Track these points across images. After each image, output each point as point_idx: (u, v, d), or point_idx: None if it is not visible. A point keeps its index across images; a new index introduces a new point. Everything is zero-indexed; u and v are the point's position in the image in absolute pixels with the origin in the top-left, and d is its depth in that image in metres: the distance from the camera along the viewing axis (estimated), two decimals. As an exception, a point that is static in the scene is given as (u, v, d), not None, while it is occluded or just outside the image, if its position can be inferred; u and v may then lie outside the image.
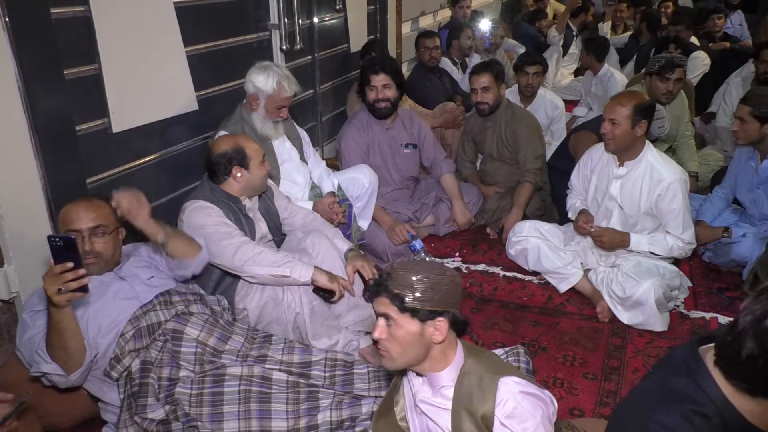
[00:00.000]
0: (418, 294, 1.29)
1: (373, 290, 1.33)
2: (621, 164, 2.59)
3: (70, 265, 1.56)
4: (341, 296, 2.21)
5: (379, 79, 3.09)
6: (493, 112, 3.36)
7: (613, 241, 2.59)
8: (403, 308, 1.29)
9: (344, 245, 2.42)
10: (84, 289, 1.61)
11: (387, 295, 1.30)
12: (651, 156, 2.54)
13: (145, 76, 2.40)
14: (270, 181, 2.56)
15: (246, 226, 2.24)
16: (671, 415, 1.14)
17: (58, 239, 1.56)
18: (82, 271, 1.59)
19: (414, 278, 1.29)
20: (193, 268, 2.02)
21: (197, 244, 2.02)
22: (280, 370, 1.90)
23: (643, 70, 4.43)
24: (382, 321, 1.32)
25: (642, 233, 2.61)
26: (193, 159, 2.74)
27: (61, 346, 1.70)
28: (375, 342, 1.35)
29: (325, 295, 2.21)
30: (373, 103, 3.13)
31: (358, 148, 3.20)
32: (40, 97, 1.98)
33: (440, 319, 1.31)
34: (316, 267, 2.16)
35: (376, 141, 3.24)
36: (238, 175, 2.21)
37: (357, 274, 2.38)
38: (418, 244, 2.86)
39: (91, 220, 1.86)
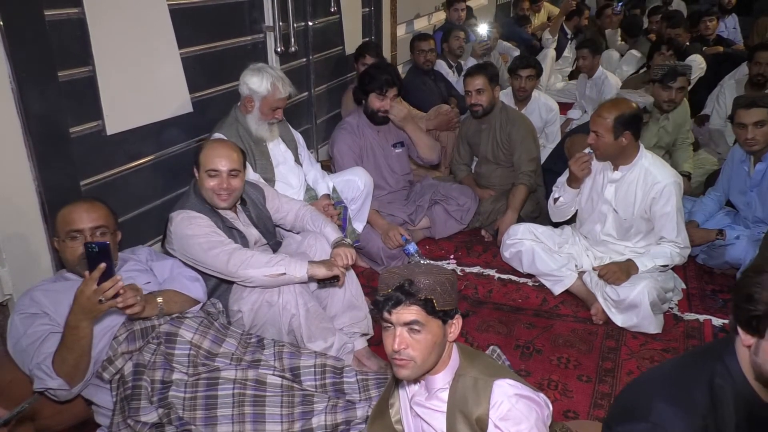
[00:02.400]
0: (444, 295, 1.31)
1: (397, 299, 1.29)
2: (616, 168, 2.60)
3: (103, 266, 1.59)
4: (344, 277, 2.21)
5: (393, 91, 3.08)
6: (487, 114, 3.37)
7: (622, 271, 2.53)
8: (434, 312, 1.30)
9: (333, 235, 2.36)
10: (117, 295, 1.63)
11: (416, 302, 1.29)
12: (646, 160, 2.54)
13: (140, 78, 2.40)
14: (261, 182, 2.55)
15: (236, 235, 2.21)
16: (675, 391, 1.22)
17: (94, 245, 1.59)
18: (118, 277, 1.62)
19: (435, 281, 1.31)
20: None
21: (191, 300, 2.01)
22: (273, 374, 1.89)
23: (641, 71, 4.45)
24: (403, 330, 1.30)
25: (637, 243, 2.65)
26: (188, 161, 2.70)
27: (75, 362, 1.70)
28: (392, 353, 1.32)
29: (331, 282, 2.19)
30: (377, 111, 3.11)
31: (351, 153, 3.18)
32: (33, 99, 1.98)
33: (457, 316, 1.37)
34: (309, 262, 2.13)
35: (369, 144, 3.24)
36: (196, 175, 2.18)
37: (355, 276, 2.39)
38: (411, 247, 2.86)
39: (93, 221, 1.86)
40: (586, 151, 2.67)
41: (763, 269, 1.15)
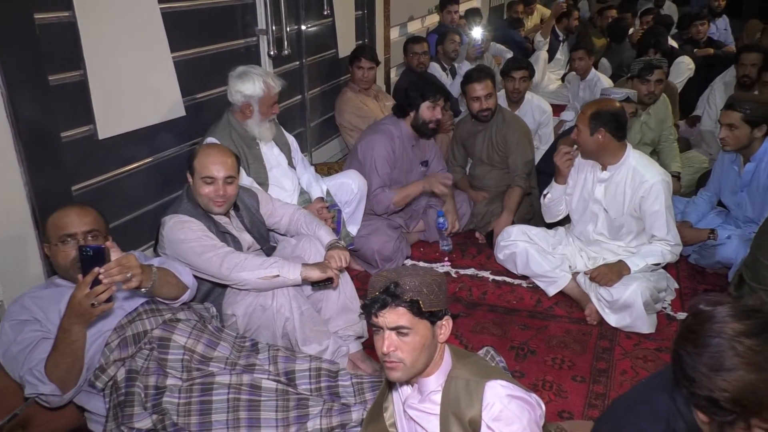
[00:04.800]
0: (430, 297, 1.31)
1: (383, 302, 1.30)
2: (604, 168, 2.61)
3: (97, 270, 1.57)
4: (338, 279, 2.19)
5: (441, 101, 3.09)
6: (493, 116, 3.37)
7: (612, 273, 2.55)
8: (421, 314, 1.30)
9: (327, 237, 2.34)
10: (110, 299, 1.62)
11: (402, 304, 1.29)
12: (633, 159, 2.56)
13: (131, 82, 2.39)
14: (255, 187, 2.54)
15: (229, 239, 2.20)
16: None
17: (88, 249, 1.58)
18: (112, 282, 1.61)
19: (421, 282, 1.31)
20: (177, 304, 2.00)
21: (183, 284, 1.98)
22: (268, 378, 1.88)
23: (629, 75, 4.48)
24: (391, 333, 1.31)
25: (630, 243, 2.66)
26: (181, 165, 2.69)
27: (68, 367, 1.68)
28: (382, 356, 1.32)
29: (325, 284, 2.18)
30: (429, 122, 3.08)
31: (388, 162, 3.10)
32: (24, 104, 1.96)
33: (446, 317, 1.36)
34: (303, 264, 2.12)
35: (402, 158, 3.18)
36: (190, 181, 2.17)
37: (350, 279, 2.38)
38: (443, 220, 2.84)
39: (86, 225, 1.84)
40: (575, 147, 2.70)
41: (701, 339, 1.08)
